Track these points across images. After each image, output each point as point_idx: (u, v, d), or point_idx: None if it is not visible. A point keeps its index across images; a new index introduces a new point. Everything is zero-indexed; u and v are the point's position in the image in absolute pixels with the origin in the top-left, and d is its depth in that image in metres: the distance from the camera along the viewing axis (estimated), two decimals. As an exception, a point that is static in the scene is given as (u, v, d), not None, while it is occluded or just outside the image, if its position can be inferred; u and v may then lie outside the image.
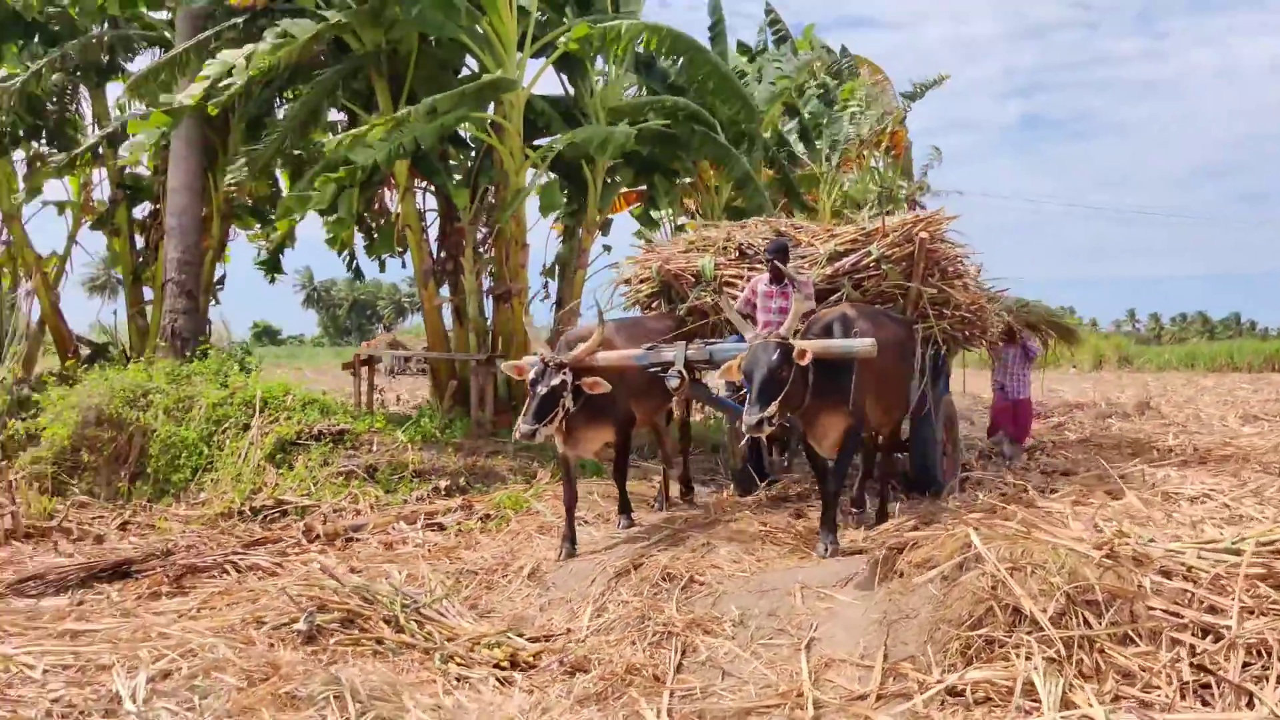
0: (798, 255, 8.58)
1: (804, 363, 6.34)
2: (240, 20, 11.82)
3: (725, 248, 8.99)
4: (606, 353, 7.36)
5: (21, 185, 15.44)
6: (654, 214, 14.75)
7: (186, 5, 11.81)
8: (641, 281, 9.33)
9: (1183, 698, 4.63)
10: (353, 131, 10.19)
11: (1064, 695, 4.68)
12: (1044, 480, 9.56)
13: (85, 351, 15.20)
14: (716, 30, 14.17)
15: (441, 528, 8.62)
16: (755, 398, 6.20)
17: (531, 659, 5.64)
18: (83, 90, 14.94)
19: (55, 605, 6.65)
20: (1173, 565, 5.30)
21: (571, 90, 13.09)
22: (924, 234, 8.28)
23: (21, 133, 14.15)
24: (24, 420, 10.91)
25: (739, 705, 5.00)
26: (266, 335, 73.77)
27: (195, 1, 11.66)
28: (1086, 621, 5.02)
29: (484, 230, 12.65)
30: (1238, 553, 5.32)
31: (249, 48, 10.74)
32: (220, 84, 10.55)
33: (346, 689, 4.71)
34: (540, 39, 11.88)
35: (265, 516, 9.32)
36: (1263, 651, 4.69)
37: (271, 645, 5.69)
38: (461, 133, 12.94)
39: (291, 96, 12.60)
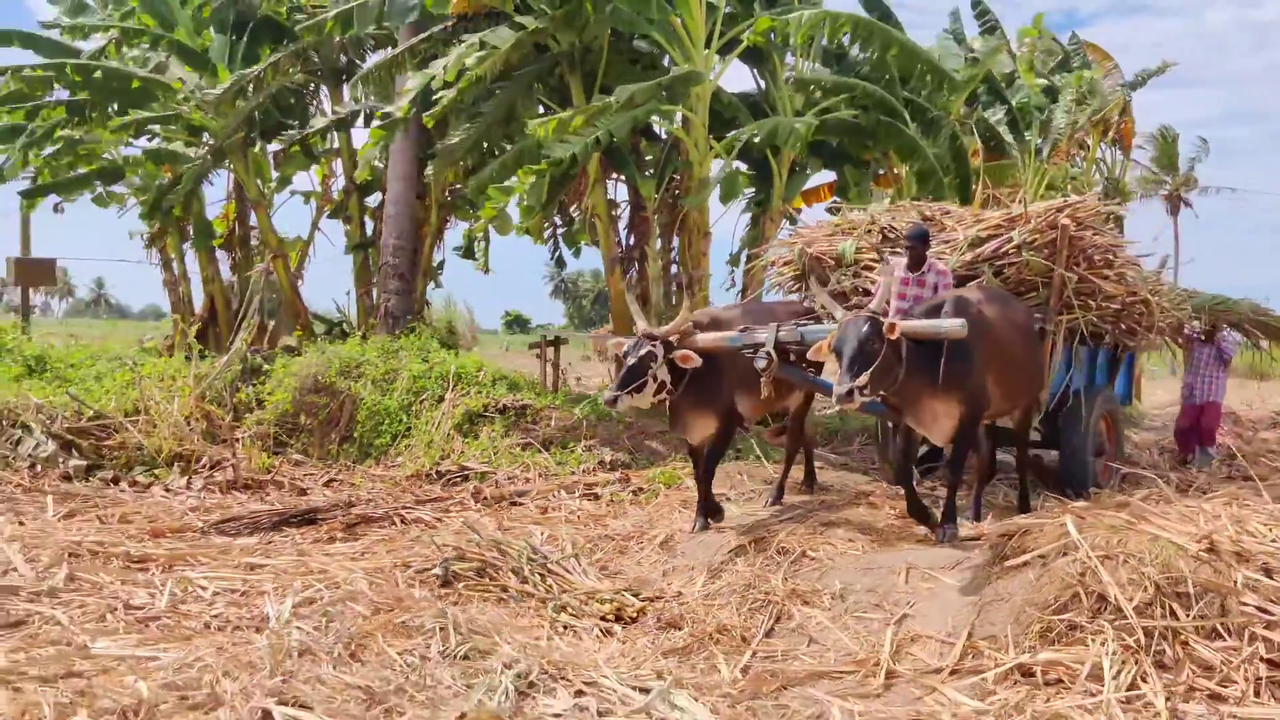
0: (941, 240, 8.53)
1: (893, 336, 6.34)
2: (450, 23, 12.76)
3: (869, 231, 8.97)
4: (705, 334, 7.43)
5: (274, 175, 17.22)
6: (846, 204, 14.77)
7: (399, 22, 12.86)
8: (785, 264, 9.37)
9: (1257, 694, 4.55)
10: (551, 120, 10.83)
11: (1132, 681, 4.71)
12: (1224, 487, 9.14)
13: (320, 328, 16.80)
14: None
15: (596, 497, 9.17)
16: (845, 368, 6.24)
17: (635, 615, 6.07)
18: (324, 89, 16.45)
19: (247, 543, 7.61)
20: (1275, 563, 5.15)
21: (761, 83, 13.39)
22: (1067, 220, 8.07)
23: (267, 128, 15.77)
24: (254, 386, 12.24)
25: (813, 668, 5.25)
26: (517, 324, 77.30)
27: (408, 18, 12.66)
28: (1173, 612, 4.97)
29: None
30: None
31: (455, 54, 11.66)
32: (430, 94, 11.54)
33: (450, 622, 5.28)
34: (727, 33, 12.23)
35: (447, 479, 10.18)
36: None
37: (411, 585, 6.36)
38: (654, 125, 13.48)
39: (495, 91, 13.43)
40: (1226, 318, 11.34)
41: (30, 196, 16.70)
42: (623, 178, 13.51)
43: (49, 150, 15.62)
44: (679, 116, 12.38)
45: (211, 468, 10.54)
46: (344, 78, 15.78)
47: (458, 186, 15.17)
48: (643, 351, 7.06)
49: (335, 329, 16.48)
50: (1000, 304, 7.37)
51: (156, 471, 10.38)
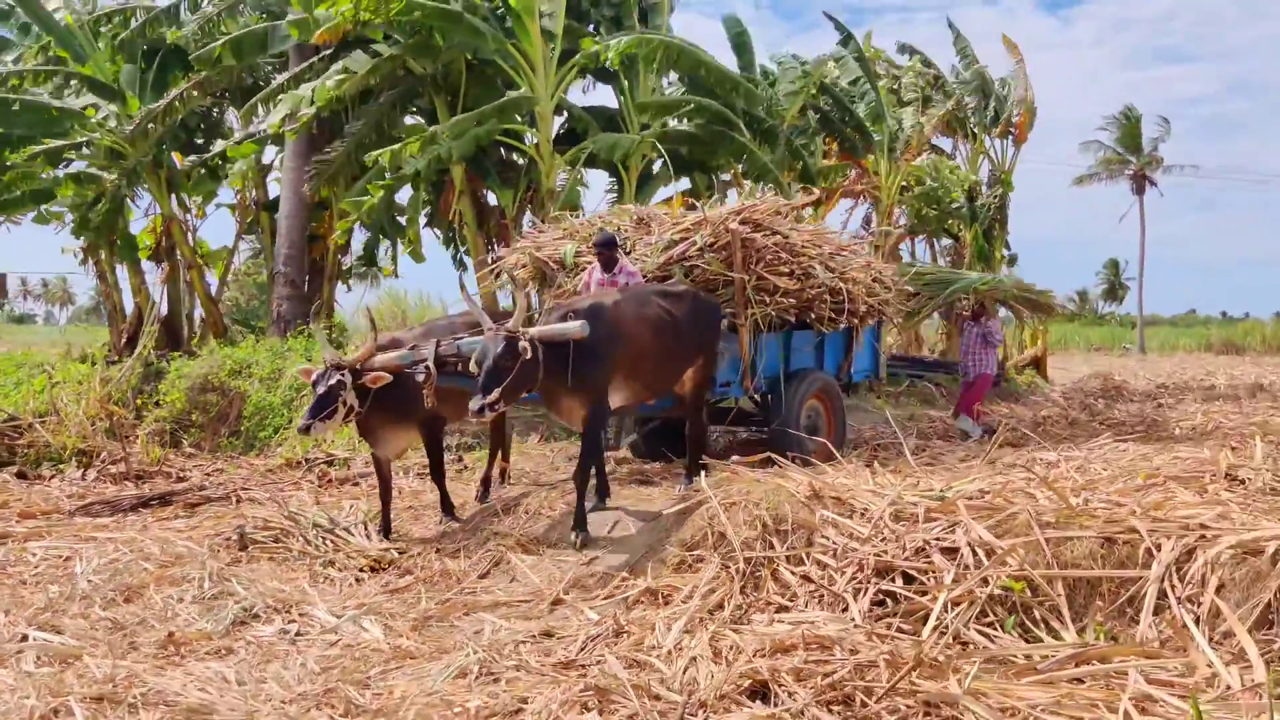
0: (646, 242, 9.34)
1: (527, 357, 6.96)
2: (328, 52, 14.07)
3: (589, 236, 9.52)
4: (381, 356, 7.71)
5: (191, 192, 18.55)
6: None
7: (281, 48, 14.18)
8: (522, 267, 9.98)
9: (808, 604, 5.85)
10: (392, 148, 12.17)
11: (720, 599, 6.02)
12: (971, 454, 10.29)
13: (240, 333, 18.12)
14: (740, 41, 15.47)
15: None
16: (480, 385, 6.86)
17: (385, 567, 7.39)
18: (232, 110, 17.74)
19: (103, 522, 8.92)
20: (862, 506, 6.43)
21: (617, 100, 14.72)
22: (736, 225, 8.86)
23: (179, 148, 17.07)
24: (155, 388, 13.56)
25: (497, 599, 6.57)
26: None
27: (287, 45, 13.97)
28: (772, 545, 6.28)
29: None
30: (940, 498, 6.40)
31: (323, 78, 12.98)
32: (297, 114, 12.83)
33: (208, 573, 6.62)
34: (568, 59, 13.52)
35: (313, 467, 11.49)
36: (880, 570, 5.82)
37: (216, 550, 7.68)
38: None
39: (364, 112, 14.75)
40: (993, 296, 12.41)
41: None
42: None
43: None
44: (529, 135, 13.72)
45: (111, 463, 11.85)
46: (249, 97, 17.05)
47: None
48: (332, 381, 7.45)
49: (255, 333, 17.79)
50: (637, 304, 7.97)
51: (61, 466, 11.67)
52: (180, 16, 16.32)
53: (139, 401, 13.27)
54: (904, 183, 18.26)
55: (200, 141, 17.52)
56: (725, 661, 4.93)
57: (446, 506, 8.54)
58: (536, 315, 8.28)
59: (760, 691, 4.64)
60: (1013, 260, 21.61)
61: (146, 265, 18.65)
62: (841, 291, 9.50)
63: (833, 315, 9.60)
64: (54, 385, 12.75)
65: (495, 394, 6.83)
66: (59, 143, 15.67)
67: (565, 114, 14.54)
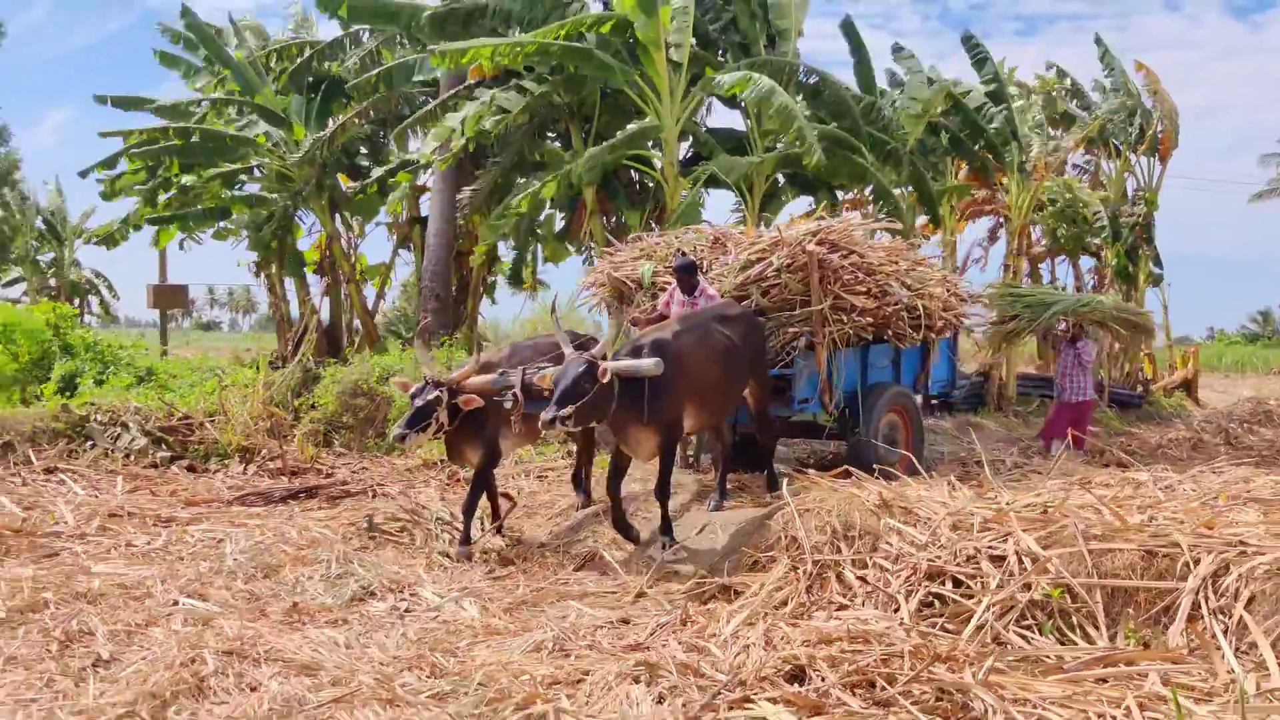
0: (723, 263, 9.53)
1: (604, 380, 7.21)
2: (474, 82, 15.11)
3: (665, 256, 9.79)
4: (476, 378, 8.16)
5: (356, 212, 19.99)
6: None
7: (426, 78, 15.31)
8: (601, 286, 10.22)
9: (863, 604, 6.29)
10: (530, 191, 13.05)
11: (785, 597, 6.51)
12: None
13: (395, 343, 19.40)
14: (860, 58, 15.84)
15: (544, 479, 11.25)
16: (555, 400, 7.15)
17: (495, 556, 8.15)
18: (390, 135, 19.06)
19: (255, 510, 9.97)
20: (925, 515, 6.82)
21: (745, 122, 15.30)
22: (813, 246, 9.01)
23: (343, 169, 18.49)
24: (312, 392, 14.78)
25: (587, 590, 7.21)
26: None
27: (434, 74, 15.08)
28: (839, 549, 6.74)
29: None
30: (996, 510, 6.75)
31: (472, 108, 14.00)
32: (448, 143, 13.89)
33: (336, 556, 7.48)
34: (695, 86, 14.16)
35: (445, 467, 12.40)
36: (931, 574, 6.22)
37: (345, 537, 8.57)
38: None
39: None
40: (1091, 318, 12.23)
41: (155, 224, 19.73)
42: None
43: (168, 195, 18.69)
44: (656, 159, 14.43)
45: (270, 459, 13.03)
46: (402, 123, 18.33)
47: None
48: (430, 396, 7.94)
49: (404, 343, 19.03)
50: (700, 333, 8.21)
51: (225, 461, 12.91)
52: (344, 49, 17.65)
53: (297, 404, 14.47)
54: (1039, 201, 18.20)
55: (363, 165, 18.90)
56: (774, 649, 5.43)
57: (466, 536, 8.38)
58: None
59: (798, 675, 5.13)
60: (1158, 280, 21.09)
61: (312, 279, 20.19)
62: (918, 307, 9.65)
63: (910, 331, 9.75)
64: (223, 388, 14.05)
65: (569, 409, 7.06)
66: (233, 167, 17.22)
67: (691, 137, 15.19)
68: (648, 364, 7.36)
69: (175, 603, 6.49)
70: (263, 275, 21.25)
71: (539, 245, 17.92)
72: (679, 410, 7.90)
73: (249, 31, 19.72)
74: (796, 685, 5.01)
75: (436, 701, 4.79)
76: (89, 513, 8.96)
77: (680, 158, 14.97)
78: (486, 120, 13.83)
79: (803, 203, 16.27)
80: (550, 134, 15.98)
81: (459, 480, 11.31)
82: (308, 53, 17.74)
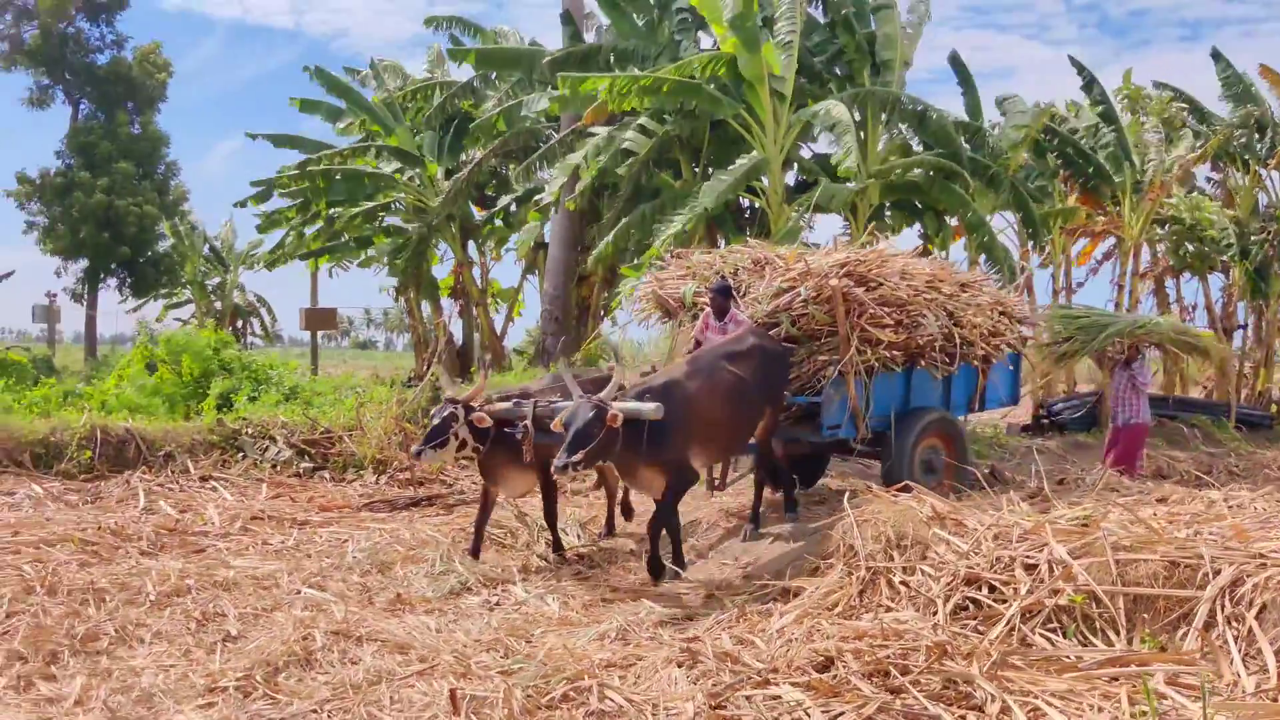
0: (758, 288, 9.45)
1: (615, 425, 7.40)
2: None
3: (709, 276, 9.80)
4: (495, 405, 8.38)
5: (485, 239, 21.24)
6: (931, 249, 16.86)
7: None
8: (647, 302, 10.34)
9: (906, 607, 6.80)
10: (669, 233, 13.95)
11: (839, 599, 7.05)
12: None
13: (520, 362, 20.52)
14: (968, 87, 16.09)
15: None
16: (565, 446, 7.30)
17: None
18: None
19: (379, 515, 10.98)
20: (973, 526, 7.27)
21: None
22: (836, 281, 8.91)
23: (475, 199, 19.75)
24: (438, 409, 15.89)
25: (660, 591, 7.89)
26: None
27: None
28: (891, 557, 7.26)
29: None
30: (1034, 522, 7.16)
31: (592, 144, 14.97)
32: (574, 181, 14.91)
33: (441, 554, 8.35)
34: (797, 119, 14.78)
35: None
36: (969, 580, 6.68)
37: (454, 541, 9.44)
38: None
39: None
40: (1148, 339, 11.97)
41: (305, 258, 21.40)
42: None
43: (314, 229, 20.30)
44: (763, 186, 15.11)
45: (400, 470, 14.12)
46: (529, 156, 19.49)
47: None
48: (445, 413, 8.18)
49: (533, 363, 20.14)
50: (707, 374, 8.26)
51: (360, 471, 14.05)
52: (473, 90, 18.90)
53: (425, 420, 15.57)
54: (1158, 220, 18.06)
55: (490, 195, 20.12)
56: (811, 644, 6.02)
57: (557, 547, 8.92)
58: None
59: (826, 666, 5.70)
60: (1290, 296, 20.53)
61: (446, 302, 21.52)
62: (954, 337, 9.55)
63: (946, 360, 9.67)
64: (360, 405, 15.26)
65: (580, 455, 7.26)
66: (372, 204, 18.62)
67: (795, 165, 15.82)
68: (648, 408, 7.55)
69: (298, 592, 7.46)
70: (401, 299, 22.69)
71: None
72: (683, 451, 8.00)
73: (387, 73, 21.19)
74: (820, 673, 5.59)
75: (502, 676, 5.55)
76: (234, 515, 10.10)
77: (788, 183, 15.57)
78: (610, 161, 14.80)
79: (910, 231, 16.72)
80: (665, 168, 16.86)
81: (564, 493, 12.11)
82: (440, 95, 19.02)
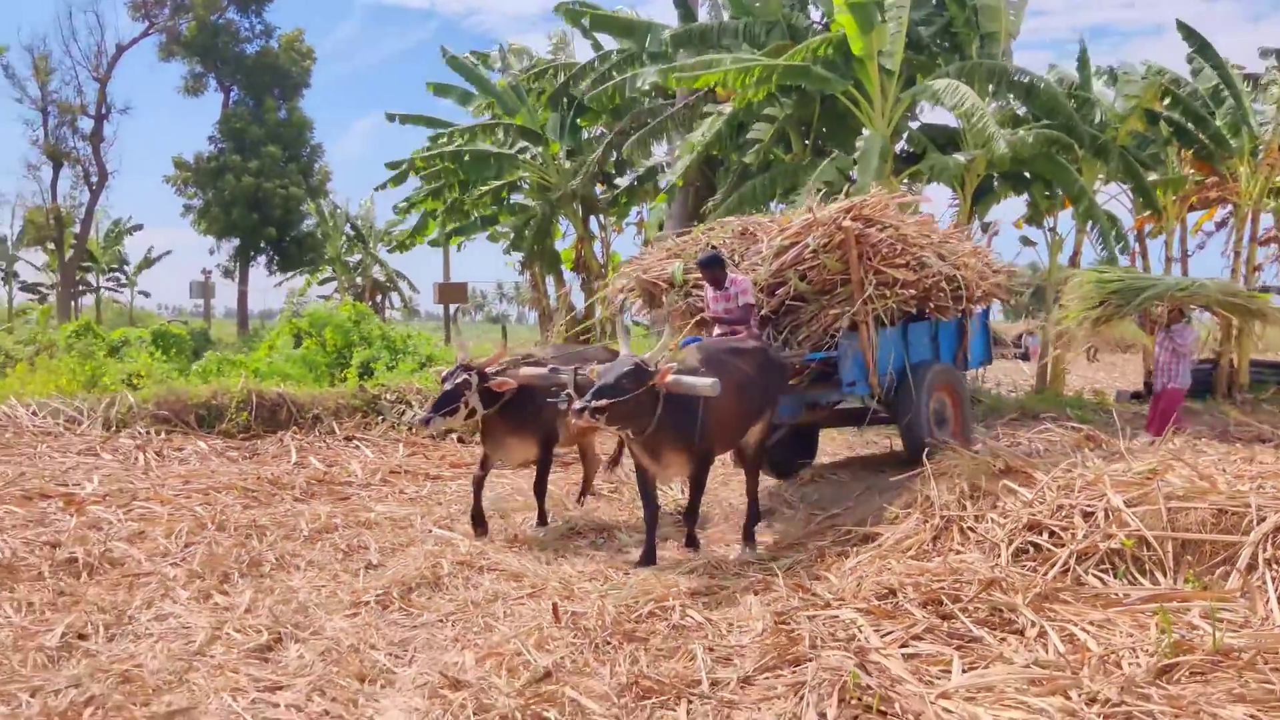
0: (754, 252, 9.35)
1: (664, 381, 6.90)
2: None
3: (696, 253, 9.58)
4: (525, 369, 8.13)
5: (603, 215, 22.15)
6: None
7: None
8: (630, 290, 10.17)
9: (973, 551, 7.39)
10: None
11: (914, 544, 7.68)
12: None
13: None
14: (1081, 57, 16.22)
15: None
16: (592, 390, 6.81)
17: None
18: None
19: (505, 471, 11.96)
20: (1044, 480, 7.78)
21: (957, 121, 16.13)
22: (849, 221, 8.77)
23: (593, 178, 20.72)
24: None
25: (760, 538, 8.64)
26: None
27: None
28: (964, 506, 7.84)
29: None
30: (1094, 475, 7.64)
31: (710, 125, 15.71)
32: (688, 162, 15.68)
33: (552, 504, 9.25)
34: (905, 91, 15.17)
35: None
36: (1030, 526, 7.23)
37: (567, 495, 10.35)
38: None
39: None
40: (1194, 301, 11.70)
41: (435, 244, 22.73)
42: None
43: (447, 206, 21.52)
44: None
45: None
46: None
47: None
48: (458, 380, 7.95)
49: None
50: (717, 365, 7.65)
51: (485, 432, 15.11)
52: (593, 70, 19.74)
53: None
54: (1273, 189, 17.79)
55: (609, 171, 20.98)
56: (878, 579, 6.70)
57: (541, 518, 8.73)
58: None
59: (888, 596, 6.37)
60: None
61: (570, 275, 22.54)
62: (957, 278, 9.50)
63: (951, 303, 9.66)
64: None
65: (603, 402, 6.69)
66: (499, 182, 19.71)
67: (904, 136, 16.21)
68: (705, 383, 6.99)
69: (429, 531, 8.46)
70: (527, 273, 23.81)
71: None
72: (714, 438, 7.62)
73: (513, 55, 22.23)
74: (881, 601, 6.27)
75: (600, 598, 6.39)
76: (374, 469, 11.22)
77: (894, 153, 15.99)
78: (747, 157, 15.54)
79: (1016, 201, 16.92)
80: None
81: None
82: (562, 77, 19.95)
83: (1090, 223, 15.47)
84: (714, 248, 9.55)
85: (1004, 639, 5.62)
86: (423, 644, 5.74)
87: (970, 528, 7.45)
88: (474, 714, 4.66)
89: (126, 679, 5.07)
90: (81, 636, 5.75)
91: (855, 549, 7.80)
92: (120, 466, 10.69)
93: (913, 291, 9.30)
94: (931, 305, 9.76)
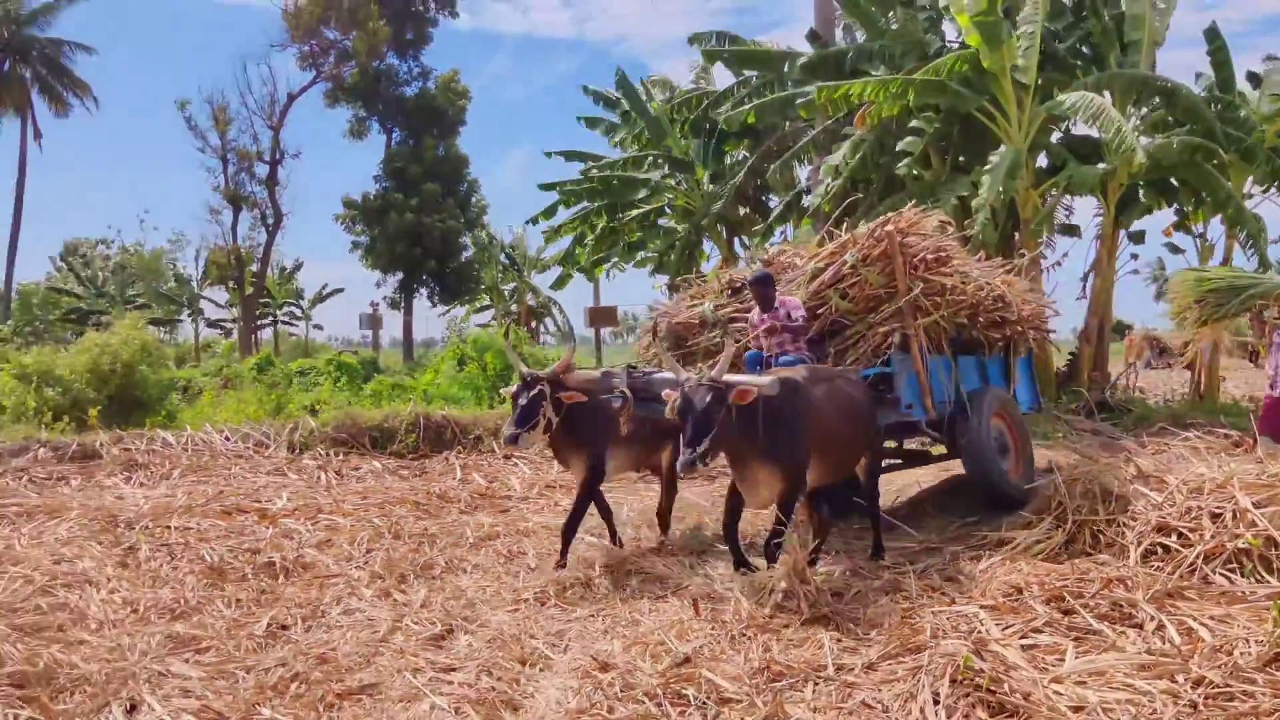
0: (787, 280, 9.10)
1: (745, 401, 6.65)
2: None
3: (720, 291, 9.63)
4: (577, 374, 8.15)
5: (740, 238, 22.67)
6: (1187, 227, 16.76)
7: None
8: (662, 340, 9.62)
9: (1103, 552, 7.60)
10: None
11: (1049, 546, 7.91)
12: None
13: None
14: (1219, 58, 15.85)
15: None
16: (687, 439, 6.51)
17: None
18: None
19: (653, 483, 12.58)
20: (1174, 484, 7.91)
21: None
22: (891, 228, 8.60)
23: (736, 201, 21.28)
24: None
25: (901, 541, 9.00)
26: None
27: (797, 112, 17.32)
28: (1096, 510, 8.01)
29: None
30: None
31: (853, 150, 16.09)
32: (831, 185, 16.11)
33: (694, 515, 9.79)
34: (1042, 105, 15.21)
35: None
36: (1159, 528, 7.40)
37: (713, 503, 10.88)
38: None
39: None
40: None
41: (583, 272, 23.68)
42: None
43: (595, 235, 22.46)
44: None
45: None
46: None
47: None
48: (533, 392, 7.82)
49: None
50: (827, 385, 7.64)
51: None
52: (733, 95, 20.37)
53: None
54: None
55: (748, 193, 21.55)
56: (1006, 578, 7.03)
57: (563, 556, 8.18)
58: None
59: (1015, 594, 6.69)
60: None
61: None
62: (1003, 294, 9.33)
63: (999, 321, 9.50)
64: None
65: (706, 444, 6.46)
66: (646, 208, 20.51)
67: (1044, 150, 16.22)
68: (765, 380, 6.94)
69: (582, 539, 9.10)
70: (673, 296, 24.51)
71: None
72: (804, 455, 7.16)
73: (655, 88, 23.07)
74: (1005, 598, 6.59)
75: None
76: (532, 484, 12.00)
77: (1037, 166, 16.05)
78: (898, 169, 15.93)
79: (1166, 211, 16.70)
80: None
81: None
82: (704, 104, 20.63)
83: (1239, 228, 15.15)
84: (762, 263, 9.61)
85: (1122, 632, 5.88)
86: (576, 635, 6.38)
87: (1101, 531, 7.67)
88: (621, 691, 5.26)
89: (323, 660, 5.87)
90: (283, 627, 6.63)
91: (989, 553, 8.09)
92: (305, 484, 11.74)
93: (963, 298, 8.97)
94: (981, 321, 9.39)
